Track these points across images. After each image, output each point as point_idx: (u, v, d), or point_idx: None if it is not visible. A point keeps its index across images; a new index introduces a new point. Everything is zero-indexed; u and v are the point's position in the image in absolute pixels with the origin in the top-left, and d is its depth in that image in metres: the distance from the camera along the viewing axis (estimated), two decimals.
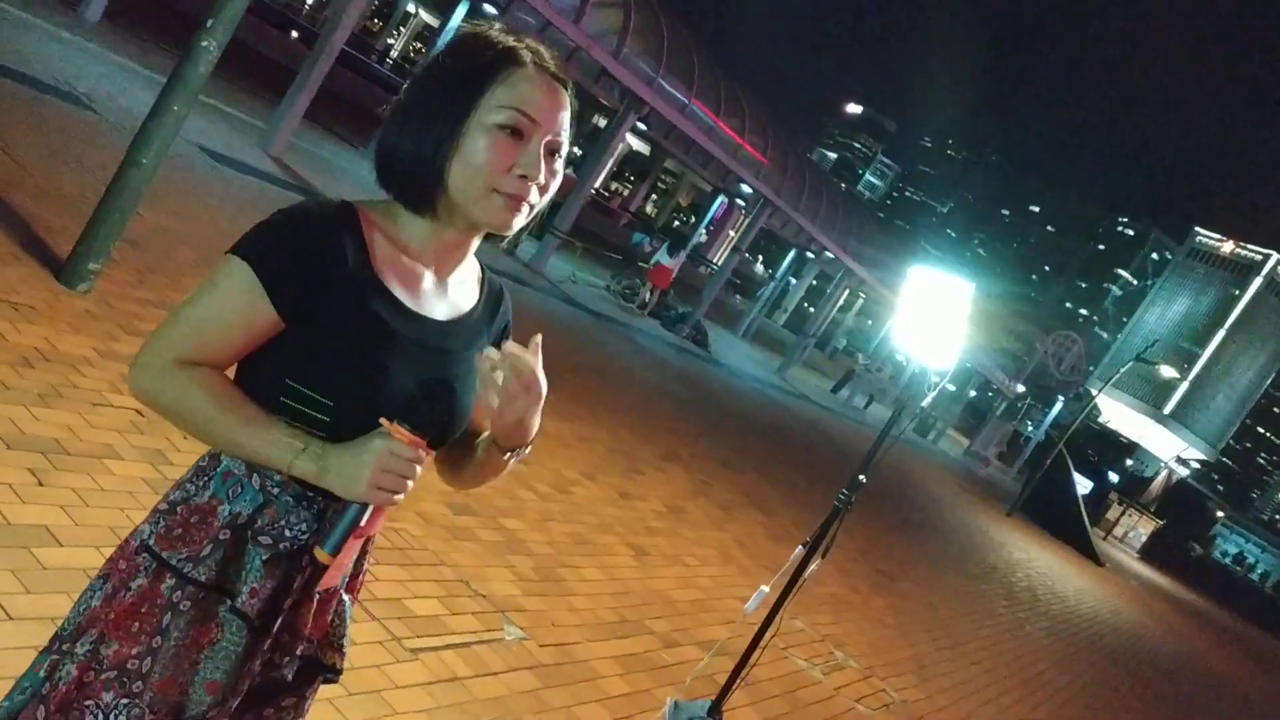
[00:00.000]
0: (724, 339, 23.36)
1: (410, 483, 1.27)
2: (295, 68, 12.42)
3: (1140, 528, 40.13)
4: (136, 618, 1.27)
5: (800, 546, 3.05)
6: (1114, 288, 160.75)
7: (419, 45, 43.01)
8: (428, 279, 1.40)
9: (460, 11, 18.17)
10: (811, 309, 38.43)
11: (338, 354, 1.29)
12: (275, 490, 1.31)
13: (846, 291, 34.73)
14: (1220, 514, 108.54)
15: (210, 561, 1.28)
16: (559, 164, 1.37)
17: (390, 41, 41.04)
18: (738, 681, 3.50)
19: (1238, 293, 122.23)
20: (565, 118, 1.36)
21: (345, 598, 1.46)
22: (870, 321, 42.15)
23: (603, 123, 29.86)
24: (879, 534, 11.05)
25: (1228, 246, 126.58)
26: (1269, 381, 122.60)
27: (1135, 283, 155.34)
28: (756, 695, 4.71)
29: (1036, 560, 17.83)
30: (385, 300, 1.32)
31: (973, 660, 8.08)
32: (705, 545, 6.80)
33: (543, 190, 1.36)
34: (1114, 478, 56.95)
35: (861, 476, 2.94)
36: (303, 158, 12.10)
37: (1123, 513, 40.20)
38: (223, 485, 1.31)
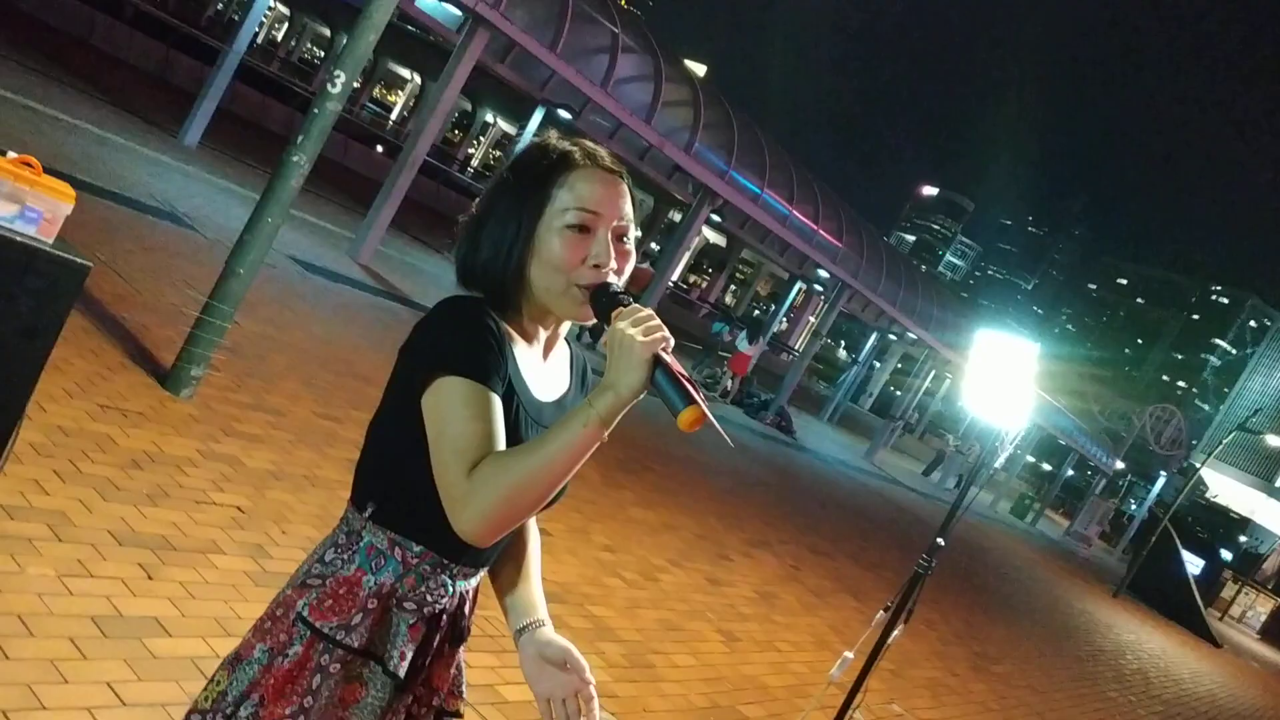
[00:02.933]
0: (809, 424, 23.22)
1: (656, 319, 1.30)
2: (381, 180, 12.94)
3: (1259, 606, 38.13)
4: (291, 681, 1.40)
5: (881, 611, 3.04)
6: (1212, 358, 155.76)
7: (498, 153, 44.36)
8: (537, 364, 1.53)
9: (537, 118, 18.76)
10: (898, 392, 38.03)
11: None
12: (414, 560, 1.44)
13: (932, 373, 34.37)
14: None
15: (361, 629, 1.41)
16: (629, 244, 1.49)
17: (471, 151, 42.45)
18: None
19: None
20: (626, 204, 1.49)
21: (461, 651, 1.59)
22: (960, 402, 41.38)
23: (678, 217, 30.35)
24: (978, 618, 10.76)
25: None
26: None
27: (1234, 352, 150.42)
28: None
29: (1147, 642, 17.11)
30: (521, 386, 1.45)
31: None
32: (798, 631, 6.72)
33: (618, 272, 1.47)
34: (1227, 555, 54.46)
35: (940, 540, 2.94)
36: (389, 264, 12.54)
37: (1239, 591, 38.27)
38: (367, 559, 1.44)
